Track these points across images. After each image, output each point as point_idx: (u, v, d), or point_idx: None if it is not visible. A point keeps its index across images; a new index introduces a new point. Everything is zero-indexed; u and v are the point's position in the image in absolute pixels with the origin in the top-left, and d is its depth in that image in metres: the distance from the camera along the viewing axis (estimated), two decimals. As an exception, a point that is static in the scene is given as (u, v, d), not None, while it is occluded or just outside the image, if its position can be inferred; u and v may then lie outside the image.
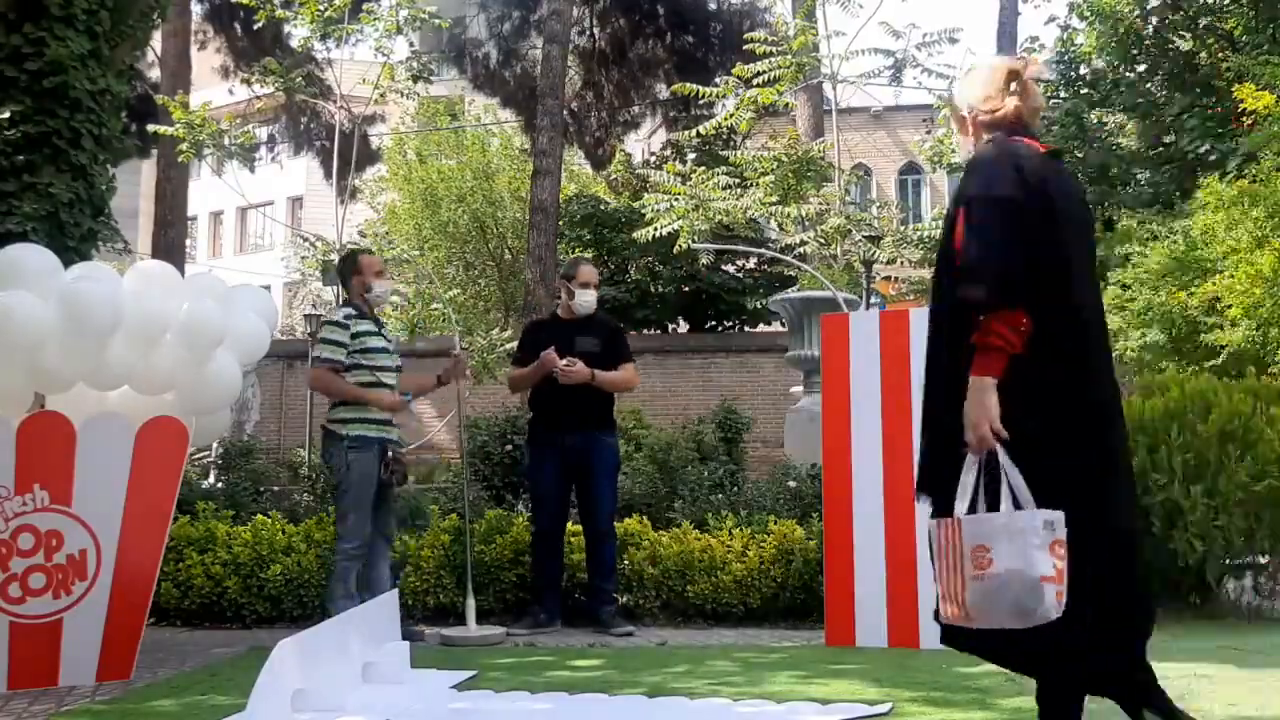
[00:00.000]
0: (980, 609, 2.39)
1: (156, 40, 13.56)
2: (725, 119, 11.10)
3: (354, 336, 4.92)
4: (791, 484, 6.29)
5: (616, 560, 5.44)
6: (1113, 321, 10.01)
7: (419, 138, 21.76)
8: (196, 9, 16.60)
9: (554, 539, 5.39)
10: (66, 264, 4.39)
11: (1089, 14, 14.32)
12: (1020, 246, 2.42)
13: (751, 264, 16.39)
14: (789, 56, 10.29)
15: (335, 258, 11.04)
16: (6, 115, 5.28)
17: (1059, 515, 2.37)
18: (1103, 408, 2.54)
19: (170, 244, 14.54)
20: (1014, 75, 2.70)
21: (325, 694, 3.38)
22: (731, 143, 16.39)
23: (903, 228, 11.70)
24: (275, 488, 7.03)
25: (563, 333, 5.52)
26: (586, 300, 5.59)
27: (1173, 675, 3.81)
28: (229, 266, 26.73)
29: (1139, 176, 14.65)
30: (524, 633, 5.14)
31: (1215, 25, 13.67)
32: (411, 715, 3.49)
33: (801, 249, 10.09)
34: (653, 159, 17.97)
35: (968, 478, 2.44)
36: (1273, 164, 8.51)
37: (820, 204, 10.18)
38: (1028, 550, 2.33)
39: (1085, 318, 2.53)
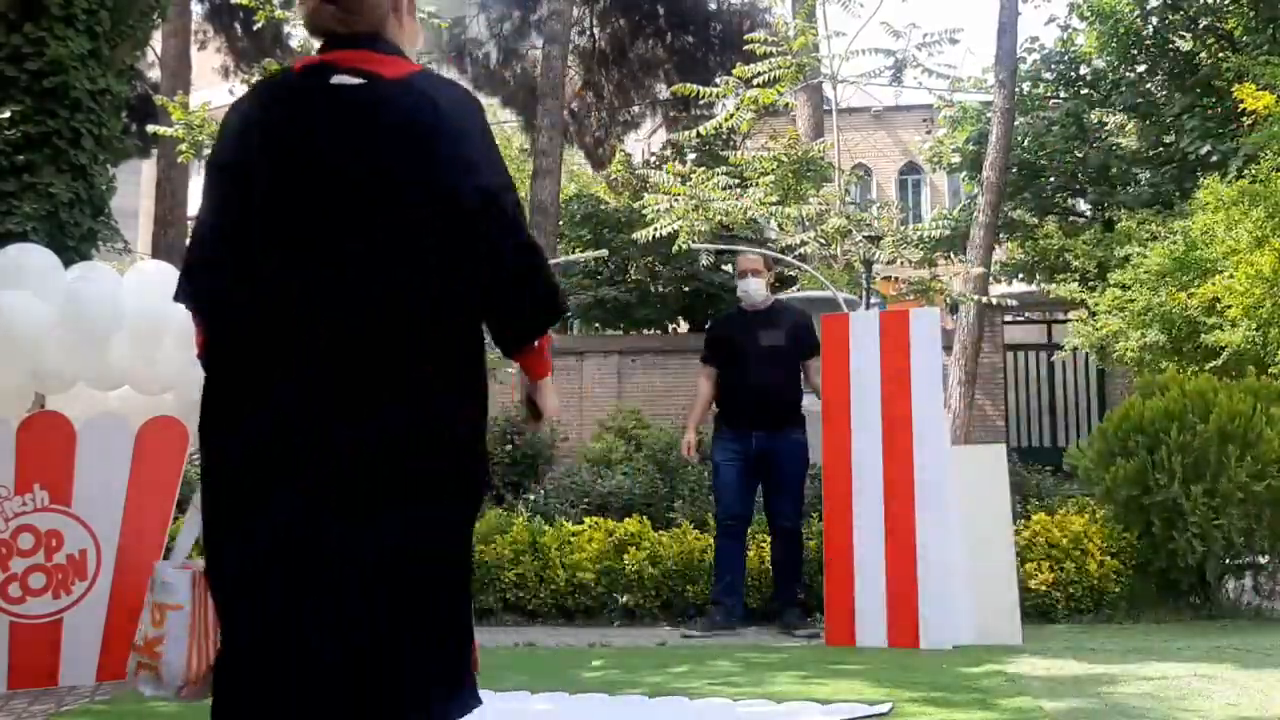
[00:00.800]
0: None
1: (156, 40, 13.56)
2: (725, 119, 11.09)
3: None
4: (791, 484, 6.28)
5: (801, 561, 5.35)
6: (1113, 322, 10.01)
7: (419, 138, 21.77)
8: (196, 9, 16.61)
9: (735, 538, 5.31)
10: (66, 264, 4.39)
11: (1089, 14, 14.31)
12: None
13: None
14: (789, 57, 10.27)
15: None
16: (6, 115, 5.29)
17: (177, 574, 2.03)
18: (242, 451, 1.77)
19: (170, 244, 14.53)
20: None
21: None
22: (731, 143, 16.39)
23: (903, 228, 11.67)
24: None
25: (746, 325, 5.54)
26: (747, 290, 5.60)
27: (1172, 675, 3.82)
28: (229, 266, 26.67)
29: (1139, 176, 14.64)
30: (698, 634, 5.10)
31: (1215, 25, 13.67)
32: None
33: (801, 249, 10.07)
34: (653, 159, 17.95)
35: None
36: (1272, 164, 8.50)
37: (820, 204, 10.16)
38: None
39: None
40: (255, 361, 1.78)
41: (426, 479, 1.79)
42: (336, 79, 1.83)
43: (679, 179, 10.53)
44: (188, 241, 1.94)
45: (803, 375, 5.47)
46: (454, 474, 1.83)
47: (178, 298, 1.91)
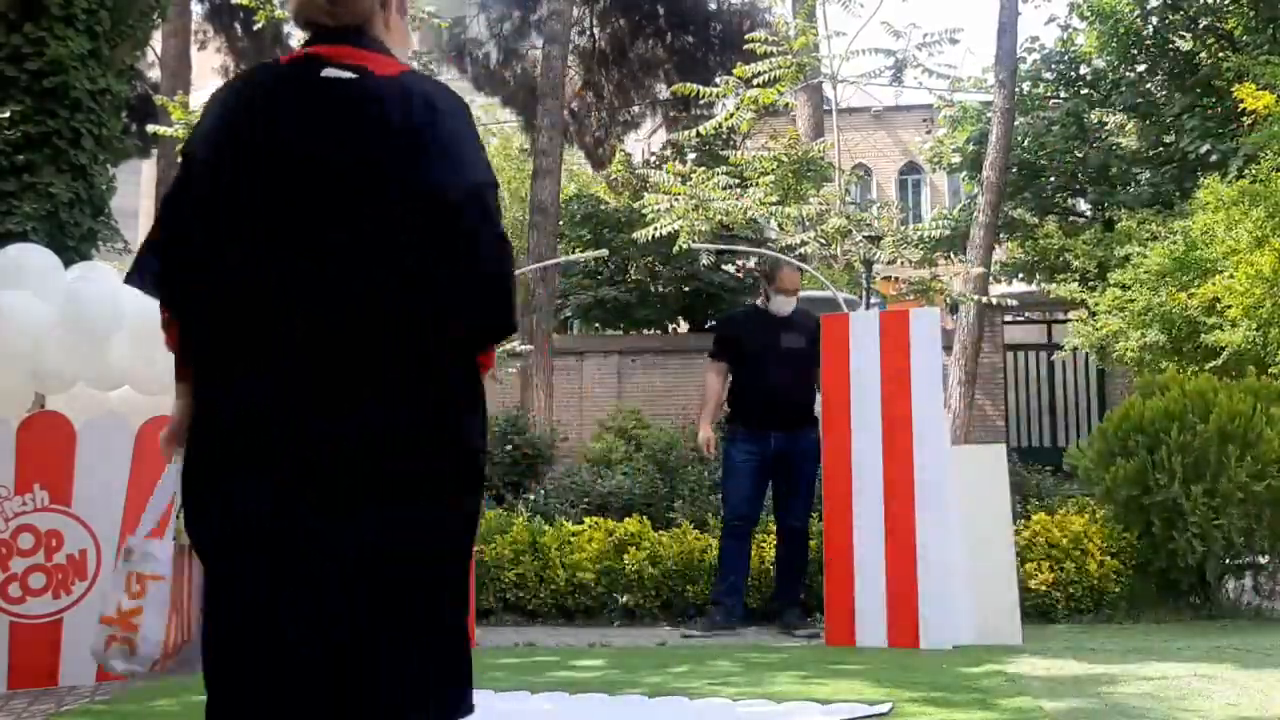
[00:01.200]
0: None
1: (156, 40, 13.56)
2: (725, 119, 11.08)
3: None
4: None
5: (805, 561, 5.36)
6: (1113, 322, 10.01)
7: (419, 138, 21.74)
8: (196, 9, 16.60)
9: (741, 539, 5.32)
10: (66, 264, 4.40)
11: (1089, 14, 14.30)
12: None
13: (751, 264, 16.39)
14: (789, 56, 10.27)
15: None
16: (6, 115, 5.29)
17: (160, 545, 1.96)
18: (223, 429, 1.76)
19: (170, 244, 14.53)
20: None
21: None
22: (732, 143, 16.38)
23: (903, 228, 11.66)
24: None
25: (767, 327, 5.56)
26: (781, 308, 5.64)
27: (1172, 675, 3.82)
28: (229, 266, 26.66)
29: (1139, 176, 14.64)
30: (698, 634, 5.11)
31: (1215, 25, 13.67)
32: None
33: (802, 249, 10.06)
34: (653, 159, 17.94)
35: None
36: (1272, 164, 8.50)
37: (820, 204, 10.15)
38: (110, 582, 2.00)
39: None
40: (230, 353, 1.75)
41: (403, 480, 1.77)
42: (327, 72, 1.79)
43: (679, 179, 10.51)
44: (152, 228, 1.86)
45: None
46: (430, 476, 1.80)
47: (135, 283, 1.84)
